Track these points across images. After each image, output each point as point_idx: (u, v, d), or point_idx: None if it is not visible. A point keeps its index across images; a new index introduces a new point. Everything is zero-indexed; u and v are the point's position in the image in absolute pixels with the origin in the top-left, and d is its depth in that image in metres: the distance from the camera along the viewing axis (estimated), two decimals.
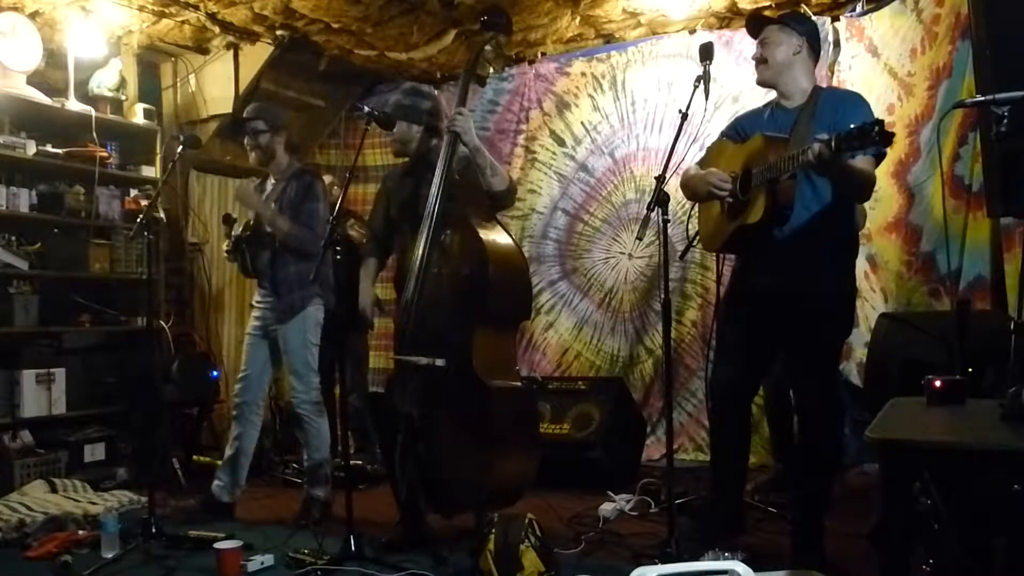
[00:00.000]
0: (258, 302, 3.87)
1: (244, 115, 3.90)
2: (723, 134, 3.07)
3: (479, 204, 3.20)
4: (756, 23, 2.94)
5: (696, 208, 3.12)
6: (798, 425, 2.95)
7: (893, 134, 2.28)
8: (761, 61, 2.85)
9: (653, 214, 2.79)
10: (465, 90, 3.24)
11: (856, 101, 2.79)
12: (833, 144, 2.33)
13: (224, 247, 4.04)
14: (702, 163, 3.06)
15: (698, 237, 3.14)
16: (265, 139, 3.78)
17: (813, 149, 2.39)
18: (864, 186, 2.72)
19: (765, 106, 3.01)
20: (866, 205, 3.96)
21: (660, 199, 2.77)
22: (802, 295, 2.74)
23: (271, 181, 3.90)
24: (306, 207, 3.71)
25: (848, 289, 2.87)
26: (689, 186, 3.02)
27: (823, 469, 2.89)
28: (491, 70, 3.29)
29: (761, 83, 2.92)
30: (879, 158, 2.73)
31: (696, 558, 2.63)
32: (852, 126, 2.30)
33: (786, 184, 2.64)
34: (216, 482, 3.82)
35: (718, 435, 3.10)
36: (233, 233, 3.91)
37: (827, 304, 2.76)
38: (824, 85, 4.63)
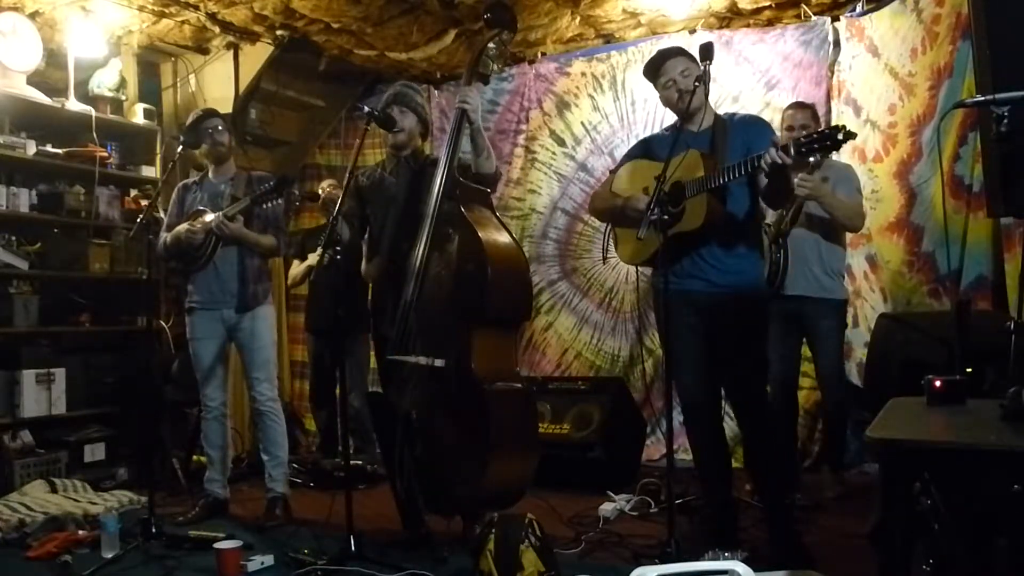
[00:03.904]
0: (205, 301, 3.81)
1: (203, 112, 3.94)
2: (630, 156, 3.22)
3: (478, 202, 3.20)
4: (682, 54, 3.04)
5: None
6: (737, 419, 3.09)
7: (840, 136, 2.55)
8: (689, 91, 2.93)
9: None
10: (468, 86, 3.24)
11: (764, 123, 3.07)
12: (792, 149, 2.60)
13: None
14: (610, 184, 3.21)
15: (617, 253, 3.26)
16: (227, 136, 3.86)
17: (770, 153, 2.61)
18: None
19: (667, 130, 3.16)
20: (867, 205, 3.98)
21: (660, 199, 2.78)
22: (729, 294, 2.92)
23: (218, 182, 3.88)
24: (282, 214, 3.88)
25: (764, 286, 3.21)
26: (603, 210, 3.22)
27: (773, 455, 3.01)
28: (494, 67, 3.28)
29: (695, 110, 2.99)
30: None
31: (696, 558, 2.64)
32: (810, 132, 2.68)
33: (720, 192, 2.87)
34: (213, 481, 3.89)
35: (695, 440, 3.15)
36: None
37: (751, 298, 2.97)
38: (822, 86, 4.68)
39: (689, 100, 2.92)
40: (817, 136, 2.58)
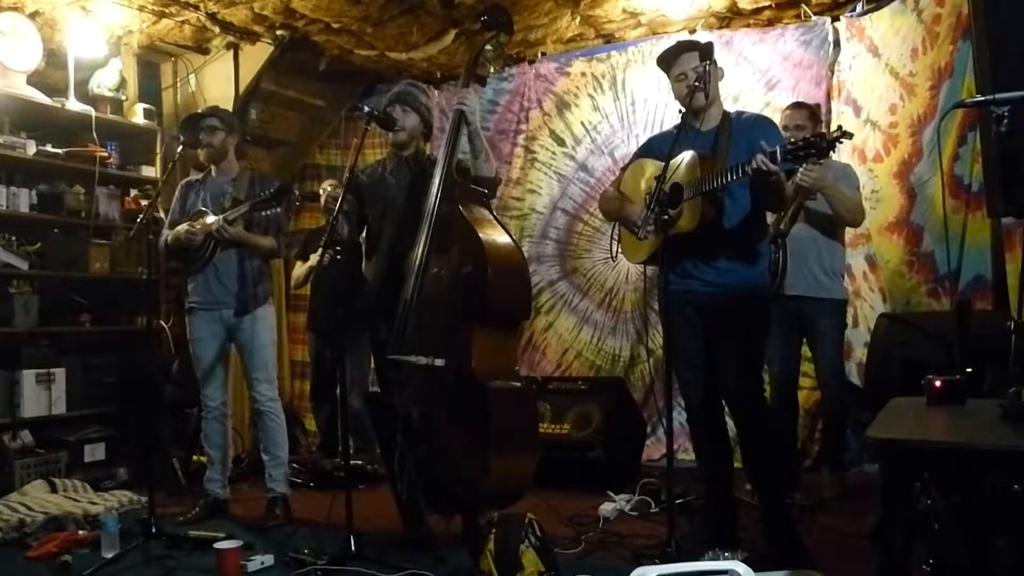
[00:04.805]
0: (204, 302, 3.81)
1: (199, 112, 3.92)
2: (637, 155, 3.24)
3: (476, 202, 3.20)
4: (701, 49, 3.02)
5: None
6: (733, 419, 3.09)
7: (827, 143, 2.56)
8: (700, 89, 2.92)
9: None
10: (466, 88, 3.24)
11: (771, 124, 3.04)
12: (779, 155, 2.60)
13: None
14: (618, 183, 3.24)
15: (620, 251, 3.28)
16: (219, 137, 3.82)
17: (756, 159, 2.61)
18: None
19: (676, 128, 3.10)
20: (867, 205, 3.98)
21: (660, 199, 2.79)
22: (729, 295, 2.93)
23: (221, 181, 3.86)
24: (284, 216, 3.85)
25: (766, 287, 3.18)
26: (607, 211, 3.28)
27: (770, 455, 3.01)
28: (492, 69, 3.29)
29: (699, 108, 2.98)
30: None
31: (696, 558, 2.64)
32: (797, 139, 2.64)
33: (716, 195, 2.87)
34: (213, 481, 3.90)
35: (696, 439, 3.17)
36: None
37: (751, 299, 2.97)
38: (822, 86, 4.68)
39: (690, 99, 2.92)
40: (803, 143, 2.58)
